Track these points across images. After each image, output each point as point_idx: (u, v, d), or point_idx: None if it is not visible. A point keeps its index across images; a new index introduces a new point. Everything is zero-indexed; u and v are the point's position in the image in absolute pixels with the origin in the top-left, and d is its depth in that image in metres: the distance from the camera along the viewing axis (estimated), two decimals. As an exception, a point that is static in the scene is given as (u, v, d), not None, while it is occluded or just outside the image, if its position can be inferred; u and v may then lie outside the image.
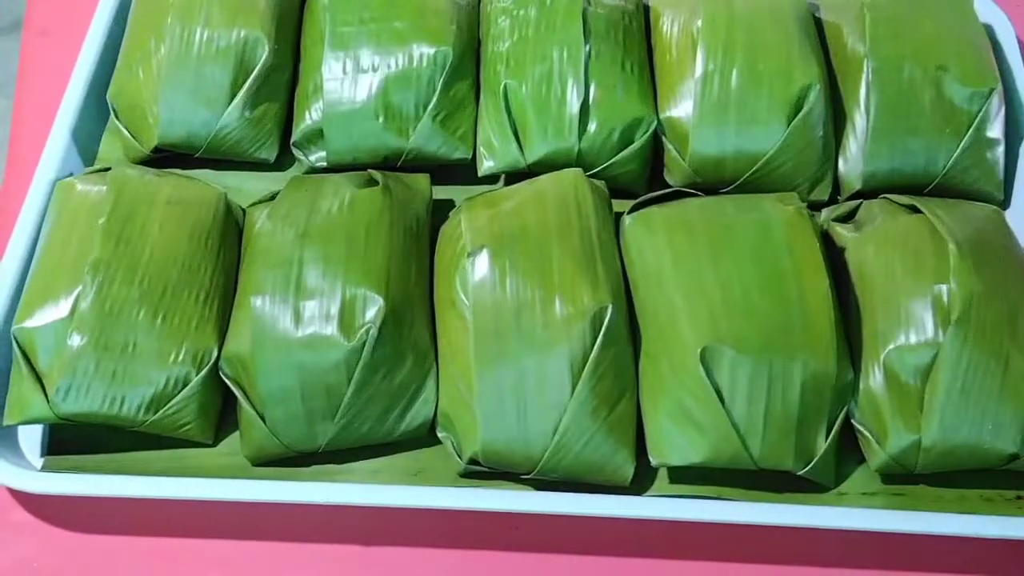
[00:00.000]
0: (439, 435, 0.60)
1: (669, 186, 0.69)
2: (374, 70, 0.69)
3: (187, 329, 0.60)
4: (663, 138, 0.69)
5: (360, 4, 0.71)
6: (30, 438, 0.62)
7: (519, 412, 0.57)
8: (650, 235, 0.63)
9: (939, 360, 0.57)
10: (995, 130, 0.68)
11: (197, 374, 0.60)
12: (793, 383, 0.57)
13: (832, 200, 0.70)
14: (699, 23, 0.68)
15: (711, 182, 0.68)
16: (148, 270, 0.61)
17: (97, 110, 0.73)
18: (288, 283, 0.59)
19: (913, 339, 0.58)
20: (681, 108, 0.68)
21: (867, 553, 0.60)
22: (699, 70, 0.67)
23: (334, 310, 0.58)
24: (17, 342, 0.60)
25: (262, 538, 0.60)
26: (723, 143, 0.67)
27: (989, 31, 0.75)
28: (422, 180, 0.68)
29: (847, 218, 0.67)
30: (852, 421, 0.60)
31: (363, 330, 0.58)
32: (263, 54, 0.70)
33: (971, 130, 0.68)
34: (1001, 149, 0.69)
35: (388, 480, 0.61)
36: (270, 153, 0.72)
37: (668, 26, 0.71)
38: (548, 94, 0.67)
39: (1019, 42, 0.76)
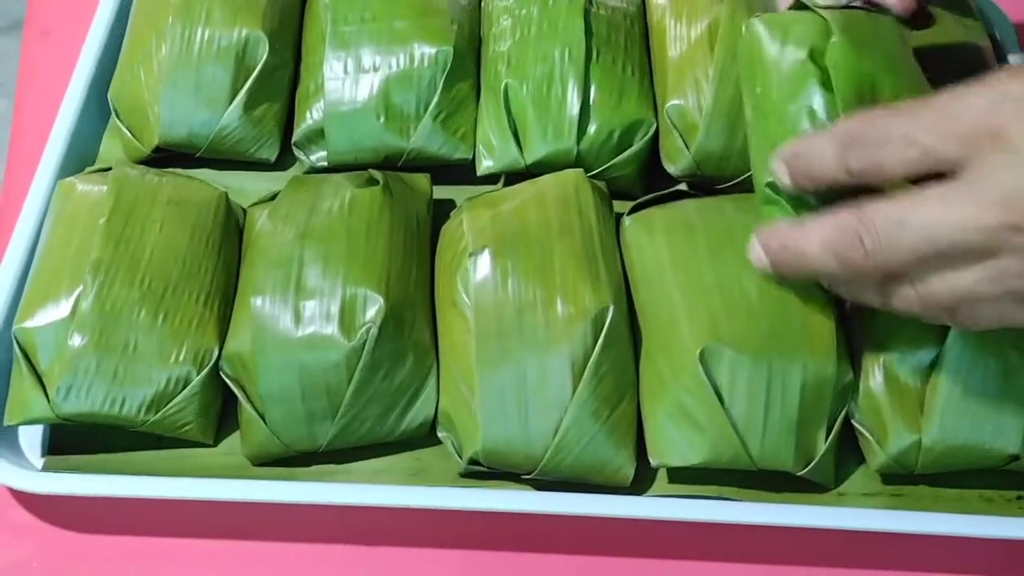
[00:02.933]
0: (439, 435, 0.60)
1: (666, 183, 0.69)
2: (375, 70, 0.69)
3: (188, 329, 0.60)
4: (669, 124, 0.68)
5: (361, 3, 0.71)
6: (31, 438, 0.62)
7: (520, 412, 0.57)
8: (650, 236, 0.63)
9: (940, 361, 0.57)
10: None
11: (198, 374, 0.60)
12: (793, 383, 0.57)
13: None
14: (715, 17, 0.68)
15: (710, 176, 0.68)
16: (149, 270, 0.61)
17: (98, 110, 0.73)
18: (288, 283, 0.59)
19: (913, 340, 0.58)
20: (694, 98, 0.67)
21: (867, 553, 0.60)
22: (719, 62, 0.66)
23: (334, 309, 0.58)
24: (18, 342, 0.60)
25: (262, 538, 0.60)
26: (732, 139, 0.66)
27: (988, 30, 0.75)
28: (423, 180, 0.68)
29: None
30: (852, 422, 0.60)
31: (363, 329, 0.58)
32: (264, 53, 0.70)
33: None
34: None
35: (388, 480, 0.61)
36: (271, 153, 0.72)
37: (681, 17, 0.70)
38: (548, 94, 0.67)
39: (1019, 40, 0.76)
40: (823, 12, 0.59)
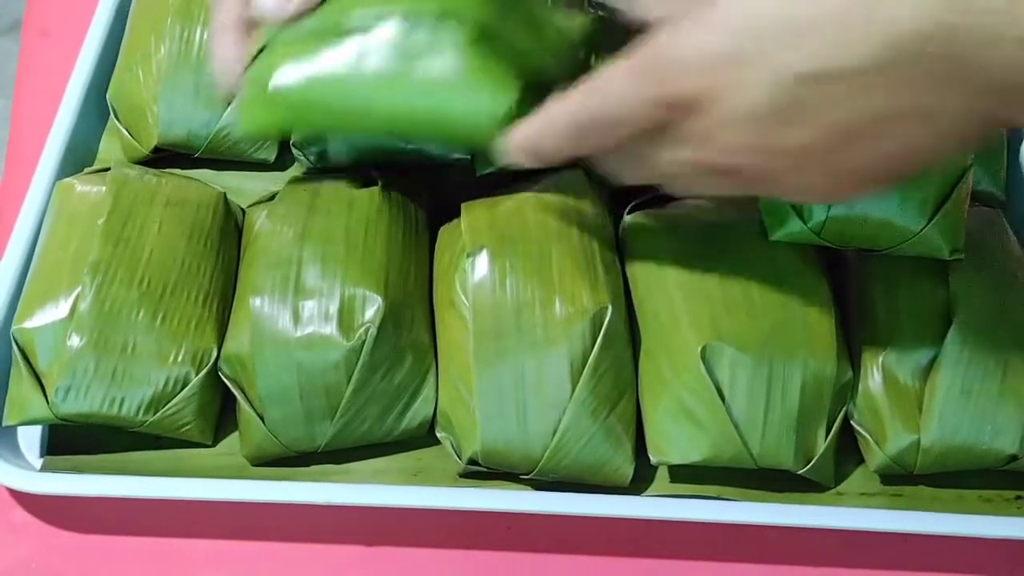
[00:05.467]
0: (438, 435, 0.60)
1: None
2: (373, 70, 0.69)
3: (187, 329, 0.60)
4: None
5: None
6: (29, 438, 0.62)
7: (519, 412, 0.57)
8: (650, 234, 0.63)
9: (939, 361, 0.57)
10: (997, 130, 0.68)
11: (197, 374, 0.60)
12: (793, 382, 0.57)
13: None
14: None
15: None
16: (147, 270, 0.61)
17: (96, 110, 0.73)
18: (287, 283, 0.59)
19: (912, 340, 0.58)
20: None
21: (866, 553, 0.60)
22: None
23: (333, 310, 0.58)
24: (16, 343, 0.60)
25: (261, 538, 0.60)
26: None
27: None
28: (421, 180, 0.68)
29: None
30: (851, 422, 0.60)
31: (362, 329, 0.58)
32: (262, 54, 0.70)
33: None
34: (1003, 149, 0.69)
35: (388, 480, 0.61)
36: (269, 153, 0.72)
37: None
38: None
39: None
40: None
